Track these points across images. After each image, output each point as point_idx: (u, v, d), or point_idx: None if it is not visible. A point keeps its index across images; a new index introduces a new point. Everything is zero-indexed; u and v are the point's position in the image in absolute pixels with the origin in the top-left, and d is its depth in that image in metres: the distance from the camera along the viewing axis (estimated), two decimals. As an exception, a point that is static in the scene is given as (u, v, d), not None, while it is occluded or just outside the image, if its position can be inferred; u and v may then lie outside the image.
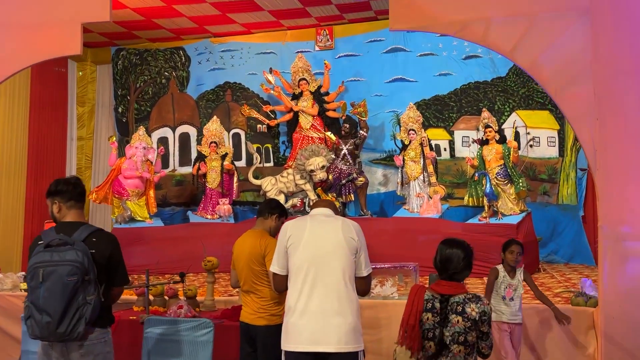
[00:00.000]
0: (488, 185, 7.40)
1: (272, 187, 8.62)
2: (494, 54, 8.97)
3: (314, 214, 3.07)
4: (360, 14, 9.20)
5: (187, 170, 9.81)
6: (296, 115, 9.11)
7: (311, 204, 8.35)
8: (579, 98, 4.38)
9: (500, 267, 4.42)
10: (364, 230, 3.04)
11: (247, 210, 9.37)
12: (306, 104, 9.04)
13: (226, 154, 8.98)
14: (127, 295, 5.52)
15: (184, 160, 10.06)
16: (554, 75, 4.53)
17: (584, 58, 4.37)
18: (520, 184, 7.43)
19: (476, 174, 7.58)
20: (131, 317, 4.49)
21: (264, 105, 9.57)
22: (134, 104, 10.36)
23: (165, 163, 9.77)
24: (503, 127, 8.54)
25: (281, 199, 8.48)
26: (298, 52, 9.33)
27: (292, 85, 9.25)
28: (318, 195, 8.42)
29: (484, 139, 7.79)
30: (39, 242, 2.83)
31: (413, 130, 8.26)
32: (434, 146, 8.77)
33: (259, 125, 9.58)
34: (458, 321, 2.59)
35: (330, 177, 8.42)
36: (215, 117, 9.26)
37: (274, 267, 3.02)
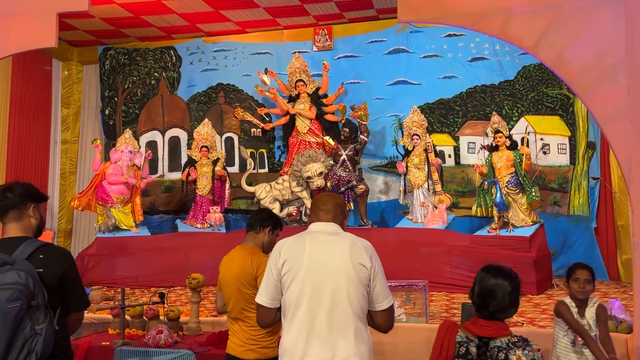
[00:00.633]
0: (498, 194, 6.93)
1: (267, 194, 8.16)
2: (502, 55, 8.65)
3: (314, 231, 2.46)
4: (361, 12, 8.77)
5: (177, 176, 9.41)
6: (292, 118, 8.67)
7: (308, 211, 7.85)
8: (611, 97, 3.95)
9: (568, 300, 3.43)
10: None
11: (239, 219, 9.05)
12: (303, 106, 8.59)
13: (218, 159, 8.58)
14: (104, 314, 5.01)
15: (174, 165, 9.66)
16: (582, 72, 4.10)
17: (616, 52, 3.94)
18: (533, 194, 6.95)
19: (485, 183, 7.10)
20: (104, 343, 3.96)
21: (259, 107, 9.19)
22: (121, 106, 9.99)
23: (153, 168, 9.40)
24: (511, 132, 8.10)
25: (276, 207, 8.04)
26: (295, 52, 8.88)
27: (289, 87, 8.82)
28: (315, 204, 7.92)
29: (494, 144, 7.31)
30: None
31: (417, 135, 7.82)
32: (438, 152, 8.29)
33: (253, 129, 9.24)
34: None
35: (328, 184, 8.02)
36: (207, 120, 8.85)
37: (261, 298, 2.43)
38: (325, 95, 8.71)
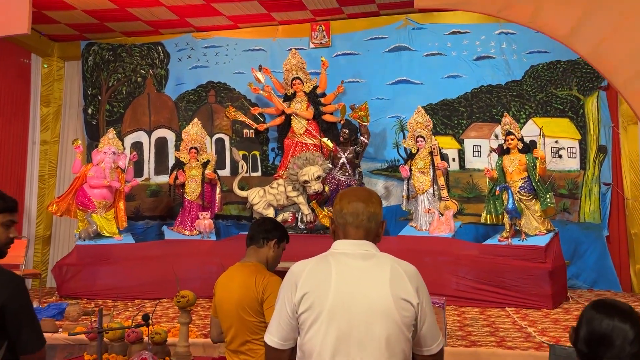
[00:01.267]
0: (510, 200, 6.48)
1: (260, 199, 7.67)
2: (509, 54, 8.24)
3: (340, 252, 1.84)
4: (361, 7, 8.30)
5: (164, 179, 8.90)
6: (288, 118, 8.18)
7: (308, 218, 7.33)
8: (656, 93, 3.48)
9: None
10: None
11: (230, 226, 8.61)
12: (300, 106, 8.09)
13: (208, 162, 8.11)
14: (80, 336, 4.45)
15: (160, 168, 9.14)
16: (622, 64, 3.67)
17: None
18: (548, 200, 6.51)
19: (497, 188, 6.65)
20: (78, 373, 3.41)
21: (252, 107, 8.68)
22: (105, 104, 9.47)
23: (138, 171, 8.93)
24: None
25: (270, 212, 7.55)
26: (291, 49, 8.40)
27: (284, 85, 8.34)
28: (312, 210, 7.46)
29: (505, 147, 6.86)
30: None
31: (422, 137, 7.39)
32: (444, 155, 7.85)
33: (245, 130, 8.80)
34: None
35: (326, 189, 7.56)
36: (196, 119, 8.37)
37: (271, 338, 1.87)
38: (324, 94, 8.24)
